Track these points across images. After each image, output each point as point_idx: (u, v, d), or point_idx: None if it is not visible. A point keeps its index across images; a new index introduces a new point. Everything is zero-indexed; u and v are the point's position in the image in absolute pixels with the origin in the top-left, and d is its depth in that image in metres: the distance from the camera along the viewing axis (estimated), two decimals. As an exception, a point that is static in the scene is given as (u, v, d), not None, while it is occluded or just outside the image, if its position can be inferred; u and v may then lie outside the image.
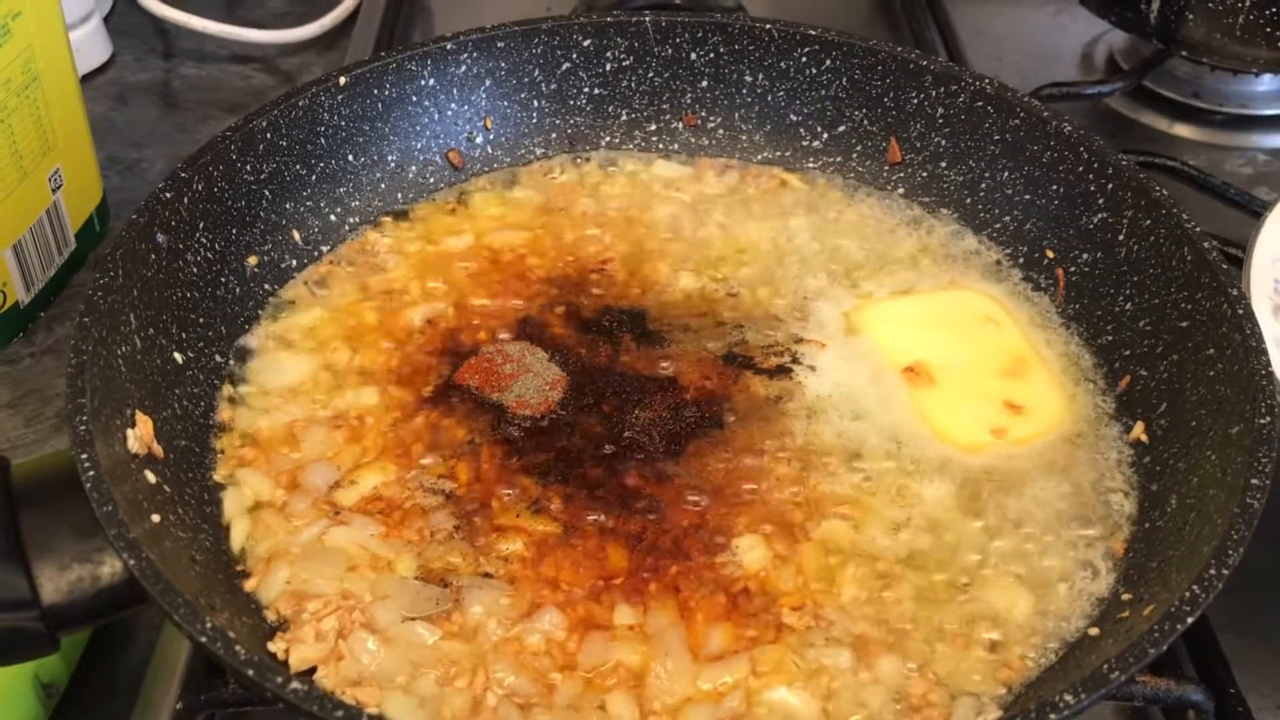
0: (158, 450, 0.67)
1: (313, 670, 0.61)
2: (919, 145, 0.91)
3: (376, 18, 1.23)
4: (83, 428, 0.60)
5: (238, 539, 0.68)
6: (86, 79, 1.17)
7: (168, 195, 0.75)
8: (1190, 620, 0.56)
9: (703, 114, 0.95)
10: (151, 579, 0.55)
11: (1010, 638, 0.64)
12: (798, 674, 0.62)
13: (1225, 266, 0.73)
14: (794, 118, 0.94)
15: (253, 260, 0.81)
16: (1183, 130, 1.15)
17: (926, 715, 0.61)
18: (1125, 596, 0.65)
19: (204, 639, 0.53)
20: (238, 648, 0.53)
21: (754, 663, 0.62)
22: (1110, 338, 0.79)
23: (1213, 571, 0.58)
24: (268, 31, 1.23)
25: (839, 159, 0.93)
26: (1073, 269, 0.83)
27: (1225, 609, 0.71)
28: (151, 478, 0.65)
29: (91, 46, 1.20)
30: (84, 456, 0.59)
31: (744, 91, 0.94)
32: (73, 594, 0.58)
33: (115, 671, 0.72)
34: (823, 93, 0.93)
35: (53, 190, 0.93)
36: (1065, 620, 0.65)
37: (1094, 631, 0.64)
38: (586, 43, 0.93)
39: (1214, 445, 0.68)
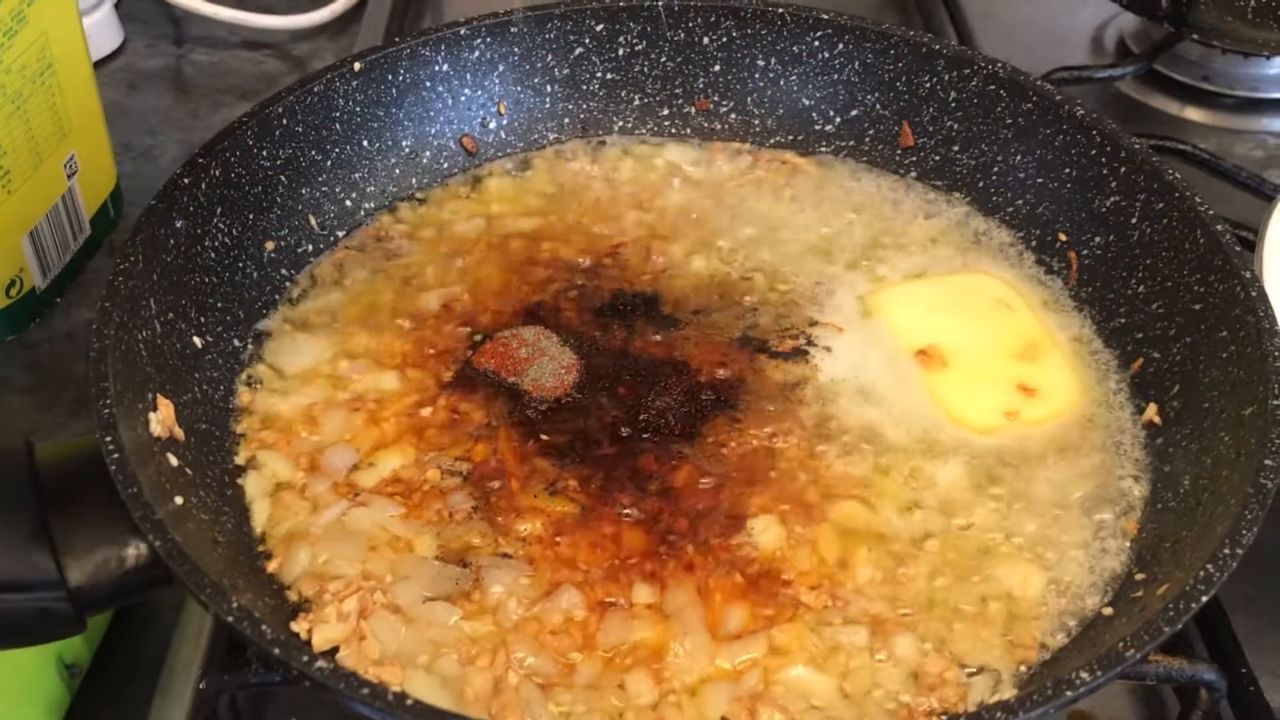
0: (179, 434, 0.67)
1: (335, 650, 0.62)
2: (931, 129, 0.91)
3: (387, 3, 1.23)
4: (106, 411, 0.61)
5: (259, 521, 0.68)
6: (98, 66, 1.17)
7: (185, 181, 0.75)
8: (1205, 599, 0.57)
9: (715, 98, 0.95)
10: (177, 560, 0.56)
11: (1024, 616, 0.65)
12: (815, 653, 0.63)
13: (1238, 249, 0.73)
14: (806, 102, 0.94)
15: (270, 246, 0.82)
16: (1193, 114, 1.14)
17: (942, 694, 0.61)
18: (1139, 576, 0.65)
19: (231, 618, 0.54)
20: (264, 627, 0.54)
21: (772, 641, 0.63)
22: (1123, 320, 0.80)
23: (1227, 551, 0.58)
24: (278, 17, 1.23)
25: (851, 143, 0.93)
26: (1085, 252, 0.83)
27: (1236, 590, 0.72)
28: (174, 461, 0.66)
29: (103, 33, 1.20)
30: (108, 439, 0.59)
31: (756, 76, 0.94)
32: (99, 575, 0.58)
33: (137, 652, 0.72)
34: (835, 77, 0.93)
35: (68, 176, 0.93)
36: (1079, 599, 0.66)
37: (1108, 611, 0.65)
38: (599, 27, 0.93)
39: (1227, 427, 0.68)
